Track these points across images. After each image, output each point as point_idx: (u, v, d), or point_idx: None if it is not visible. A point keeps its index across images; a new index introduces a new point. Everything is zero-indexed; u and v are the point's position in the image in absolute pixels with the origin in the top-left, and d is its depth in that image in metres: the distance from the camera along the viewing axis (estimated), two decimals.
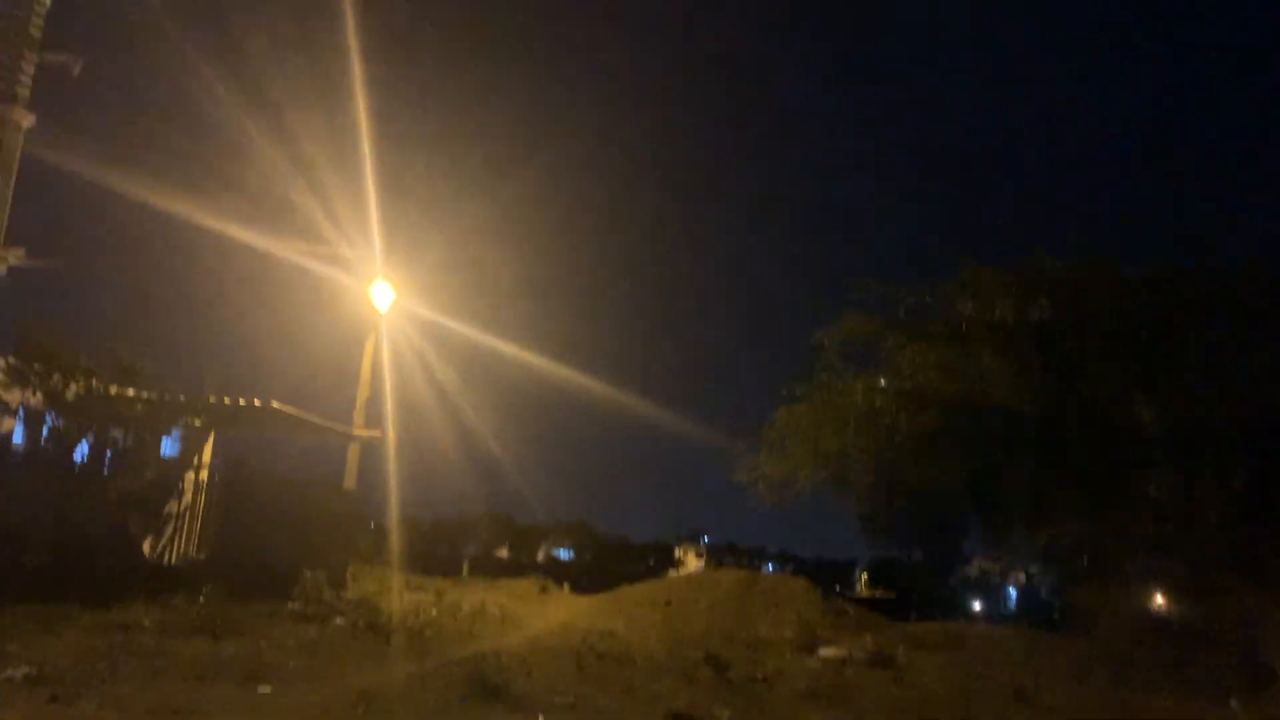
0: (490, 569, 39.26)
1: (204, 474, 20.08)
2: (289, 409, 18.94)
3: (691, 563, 79.67)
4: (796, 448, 18.53)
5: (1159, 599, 18.22)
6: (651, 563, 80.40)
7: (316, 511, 18.92)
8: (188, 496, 19.56)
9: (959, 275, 17.41)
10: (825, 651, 17.08)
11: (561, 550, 79.29)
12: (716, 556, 79.94)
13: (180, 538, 19.25)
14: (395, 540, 23.50)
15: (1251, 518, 14.07)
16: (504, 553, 74.35)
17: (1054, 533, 17.01)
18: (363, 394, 20.55)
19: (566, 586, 28.52)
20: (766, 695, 12.51)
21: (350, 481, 20.84)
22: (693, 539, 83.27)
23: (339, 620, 15.18)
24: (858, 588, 79.22)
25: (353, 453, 20.76)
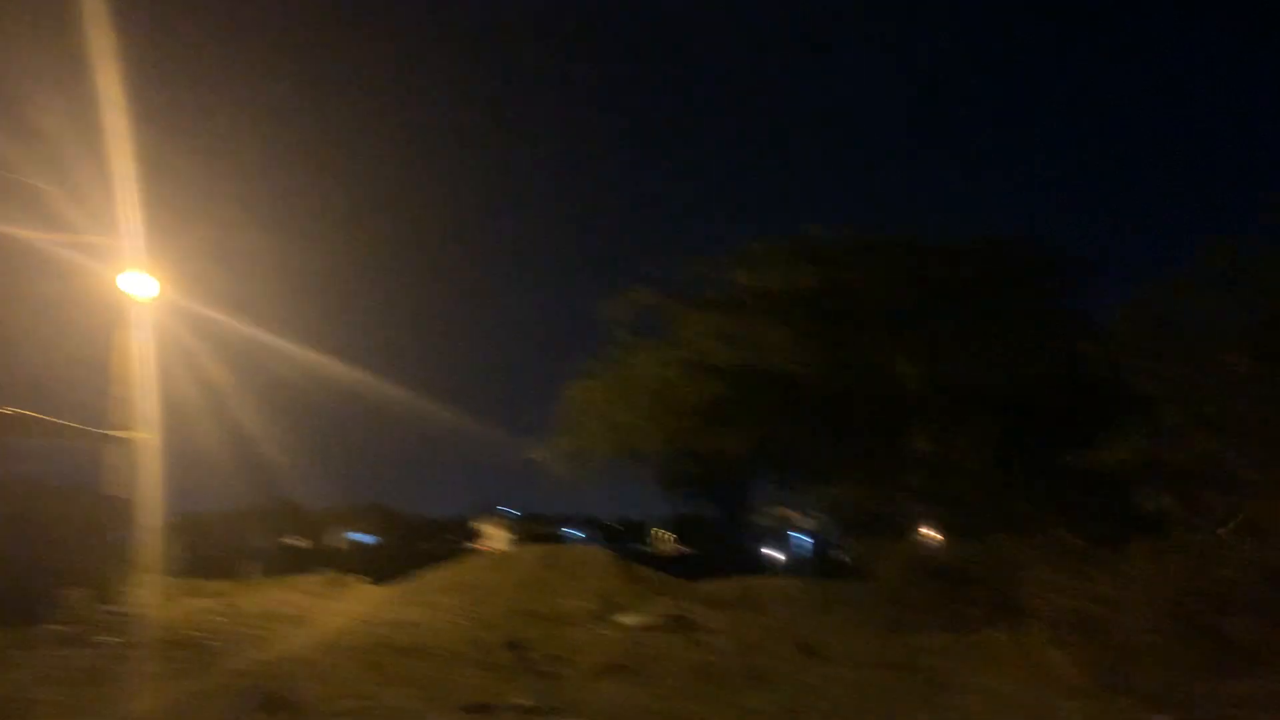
0: (285, 563, 37.45)
1: None
2: (24, 412, 17.19)
3: (495, 535, 79.53)
4: (590, 422, 18.71)
5: (930, 543, 19.65)
6: (455, 538, 79.70)
7: (76, 521, 17.39)
8: None
9: (738, 248, 17.97)
10: (625, 619, 17.37)
11: (361, 535, 77.24)
12: (521, 527, 80.00)
13: None
14: (171, 544, 21.99)
15: (1004, 466, 15.36)
16: (300, 541, 71.49)
17: (835, 488, 17.95)
18: (119, 392, 18.95)
19: (363, 578, 27.63)
20: (566, 673, 12.58)
21: (114, 486, 19.24)
22: (496, 512, 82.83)
23: (108, 639, 14.05)
24: (659, 544, 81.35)
25: (115, 455, 19.15)
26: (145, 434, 19.41)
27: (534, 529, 78.06)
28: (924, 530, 20.00)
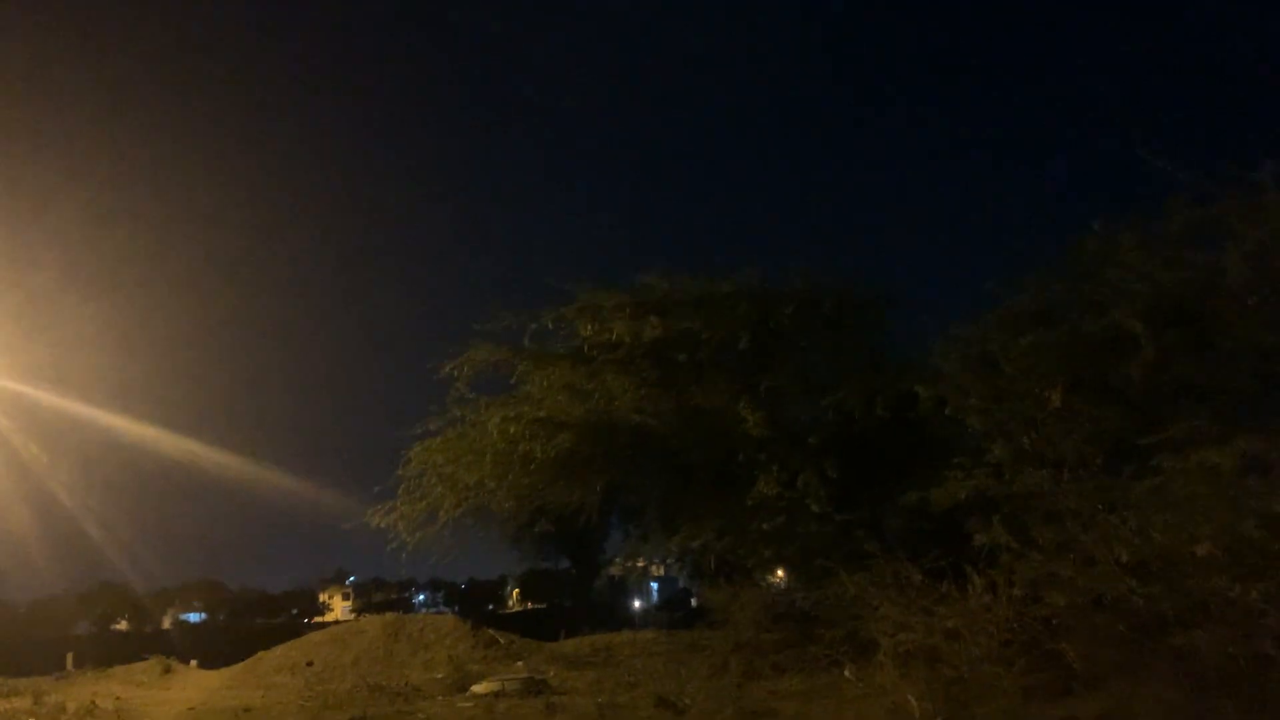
0: (108, 649, 34.66)
1: None
2: None
3: (338, 606, 76.24)
4: (434, 484, 18.19)
5: (780, 585, 19.92)
6: (295, 612, 75.96)
7: None
8: None
9: (577, 298, 17.91)
10: (478, 688, 16.80)
11: (192, 615, 72.71)
12: (364, 595, 77.06)
13: None
14: None
15: (847, 507, 15.74)
16: (123, 625, 66.80)
17: (684, 536, 17.96)
18: None
19: (194, 662, 25.88)
20: None
21: None
22: (338, 580, 79.61)
23: None
24: (510, 603, 79.90)
25: None
26: None
27: (379, 596, 75.47)
28: (775, 573, 20.29)
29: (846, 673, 14.11)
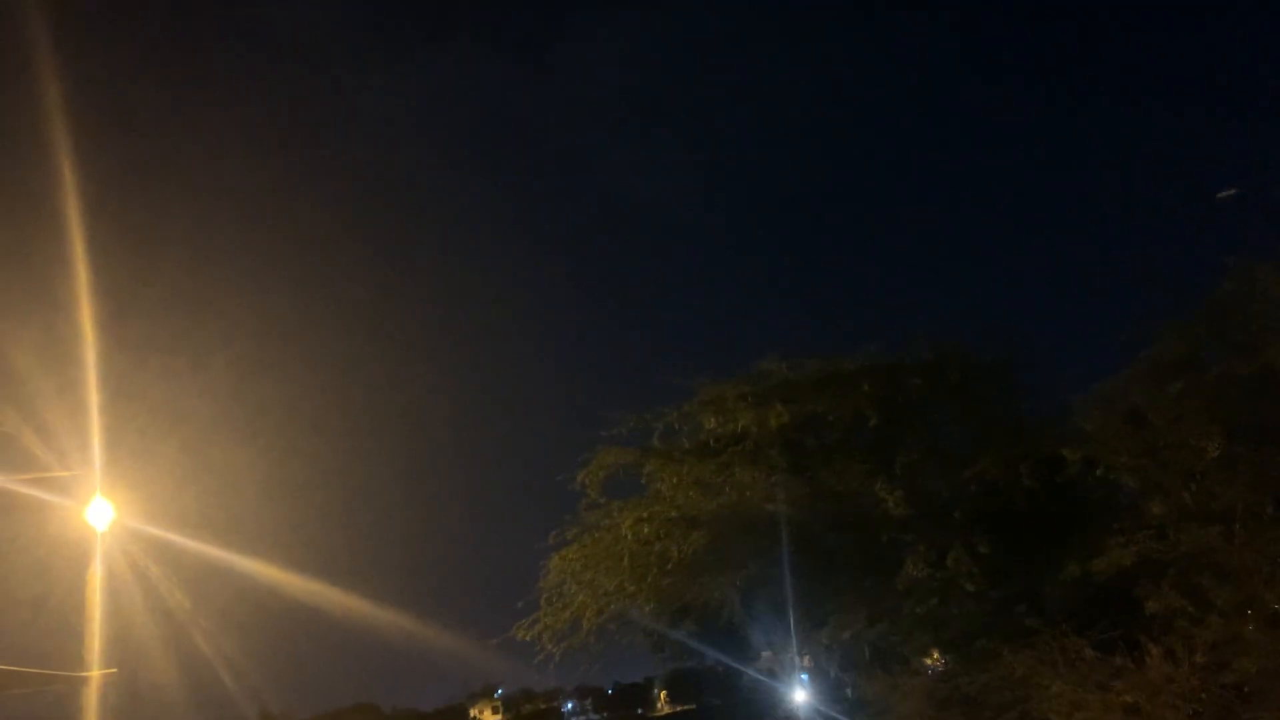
0: None
1: None
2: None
3: (488, 718, 76.33)
4: (575, 593, 18.18)
5: (937, 669, 19.03)
6: None
7: None
8: None
9: (698, 392, 17.92)
10: None
11: None
12: (513, 707, 76.93)
13: None
14: None
15: (1000, 581, 15.03)
16: None
17: (835, 627, 17.43)
18: (93, 629, 18.14)
19: None
20: None
21: None
22: (485, 694, 79.73)
23: None
24: (659, 705, 78.45)
25: (90, 698, 18.16)
26: (107, 669, 18.52)
27: (529, 708, 75.29)
28: (931, 656, 19.40)
29: None
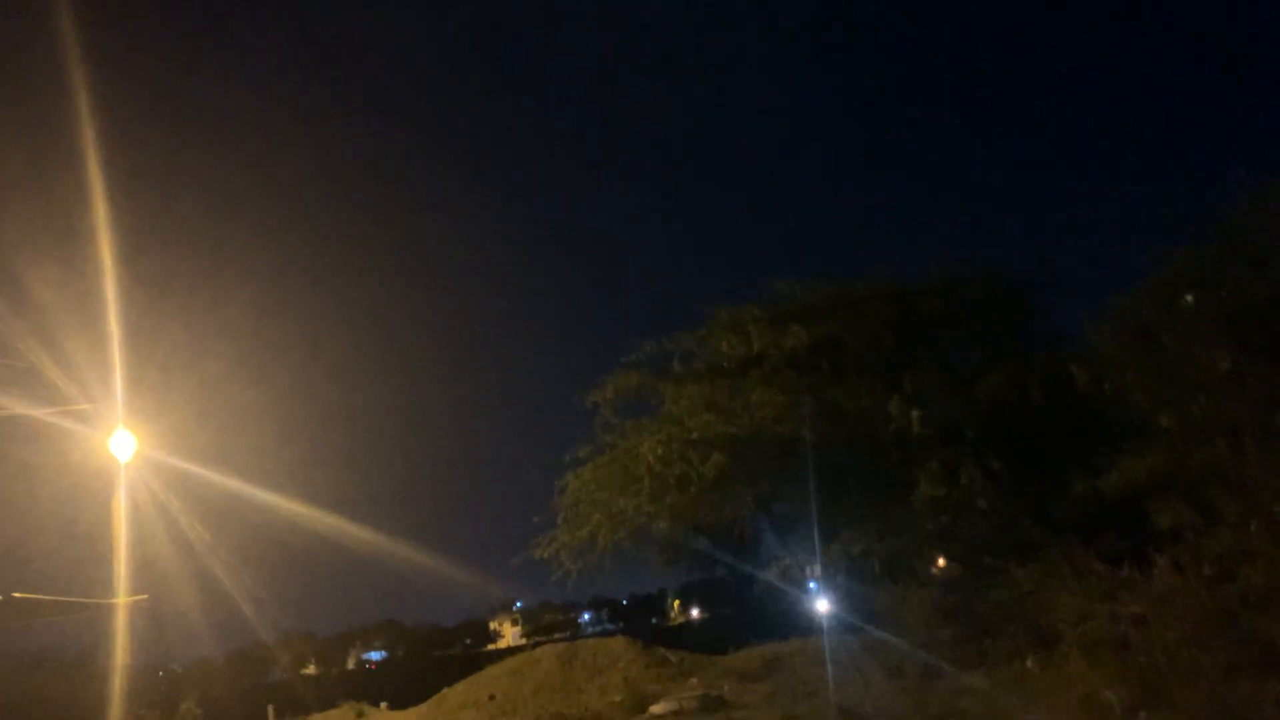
0: (301, 696, 36.28)
1: None
2: (32, 596, 16.78)
3: (508, 632, 78.21)
4: (591, 512, 18.56)
5: (948, 576, 19.45)
6: (468, 642, 78.31)
7: (82, 700, 16.91)
8: None
9: (715, 316, 18.05)
10: (656, 708, 17.04)
11: (374, 653, 75.91)
12: (532, 619, 78.80)
13: None
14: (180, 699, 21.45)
15: (1013, 498, 15.30)
16: (311, 669, 70.07)
17: (844, 542, 17.78)
18: (119, 557, 18.60)
19: (384, 704, 27.00)
20: None
21: (115, 653, 18.74)
22: (505, 608, 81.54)
23: None
24: (672, 615, 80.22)
25: (121, 622, 18.69)
26: (135, 596, 19.00)
27: (547, 618, 77.12)
28: (936, 564, 19.80)
29: (1029, 664, 13.74)
